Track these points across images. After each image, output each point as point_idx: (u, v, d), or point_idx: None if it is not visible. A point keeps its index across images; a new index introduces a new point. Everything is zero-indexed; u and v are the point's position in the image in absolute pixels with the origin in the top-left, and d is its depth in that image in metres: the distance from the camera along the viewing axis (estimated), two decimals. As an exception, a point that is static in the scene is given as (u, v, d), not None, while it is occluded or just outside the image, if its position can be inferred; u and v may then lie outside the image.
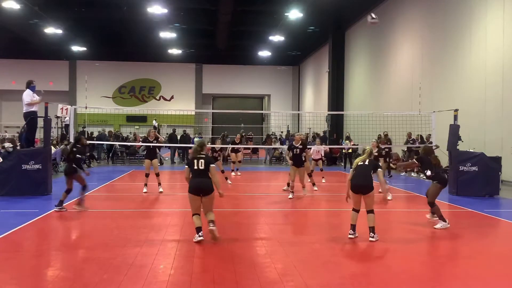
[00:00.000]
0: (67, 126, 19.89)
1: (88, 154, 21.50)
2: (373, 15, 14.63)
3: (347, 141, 22.75)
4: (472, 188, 12.44)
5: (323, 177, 15.59)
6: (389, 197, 11.84)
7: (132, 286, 5.29)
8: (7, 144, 12.71)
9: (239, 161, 18.09)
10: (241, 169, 18.27)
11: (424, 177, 9.37)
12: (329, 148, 21.49)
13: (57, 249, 7.05)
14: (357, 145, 22.11)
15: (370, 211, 7.42)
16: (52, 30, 29.51)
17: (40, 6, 25.48)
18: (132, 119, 42.06)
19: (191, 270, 5.89)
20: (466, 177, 12.58)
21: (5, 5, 23.49)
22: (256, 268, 6.03)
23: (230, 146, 15.93)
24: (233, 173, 17.30)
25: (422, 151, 9.40)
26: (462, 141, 13.39)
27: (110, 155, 23.59)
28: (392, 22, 23.98)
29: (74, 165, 9.66)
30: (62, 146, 18.71)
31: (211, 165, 7.43)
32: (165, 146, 22.73)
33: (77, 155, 9.79)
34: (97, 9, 27.25)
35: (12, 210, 9.15)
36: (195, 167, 7.37)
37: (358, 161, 7.68)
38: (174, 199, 12.05)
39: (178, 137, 24.72)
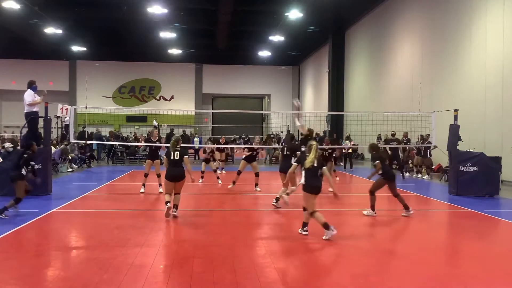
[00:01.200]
0: (67, 126, 19.90)
1: (88, 154, 21.53)
2: (297, 103, 15.08)
3: (347, 141, 22.82)
4: (472, 188, 12.43)
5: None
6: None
7: (132, 286, 5.29)
8: (7, 144, 12.74)
9: (223, 160, 18.67)
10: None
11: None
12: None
13: (57, 249, 7.04)
14: (357, 145, 22.13)
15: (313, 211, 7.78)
16: (52, 30, 29.48)
17: (40, 6, 25.45)
18: (132, 119, 42.05)
19: (191, 270, 5.88)
20: (466, 177, 12.57)
21: (5, 5, 23.48)
22: (256, 268, 6.03)
23: (215, 145, 16.53)
24: (218, 171, 17.77)
25: (369, 149, 10.03)
26: (462, 141, 13.38)
27: (110, 155, 23.60)
28: (392, 22, 23.99)
29: (22, 172, 9.23)
30: (62, 146, 18.73)
31: (185, 156, 9.22)
32: (165, 146, 22.80)
33: (31, 162, 9.41)
34: (97, 9, 27.21)
35: (12, 210, 9.16)
36: (172, 158, 9.13)
37: (309, 161, 7.68)
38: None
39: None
